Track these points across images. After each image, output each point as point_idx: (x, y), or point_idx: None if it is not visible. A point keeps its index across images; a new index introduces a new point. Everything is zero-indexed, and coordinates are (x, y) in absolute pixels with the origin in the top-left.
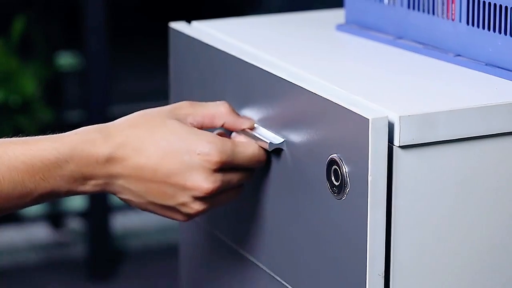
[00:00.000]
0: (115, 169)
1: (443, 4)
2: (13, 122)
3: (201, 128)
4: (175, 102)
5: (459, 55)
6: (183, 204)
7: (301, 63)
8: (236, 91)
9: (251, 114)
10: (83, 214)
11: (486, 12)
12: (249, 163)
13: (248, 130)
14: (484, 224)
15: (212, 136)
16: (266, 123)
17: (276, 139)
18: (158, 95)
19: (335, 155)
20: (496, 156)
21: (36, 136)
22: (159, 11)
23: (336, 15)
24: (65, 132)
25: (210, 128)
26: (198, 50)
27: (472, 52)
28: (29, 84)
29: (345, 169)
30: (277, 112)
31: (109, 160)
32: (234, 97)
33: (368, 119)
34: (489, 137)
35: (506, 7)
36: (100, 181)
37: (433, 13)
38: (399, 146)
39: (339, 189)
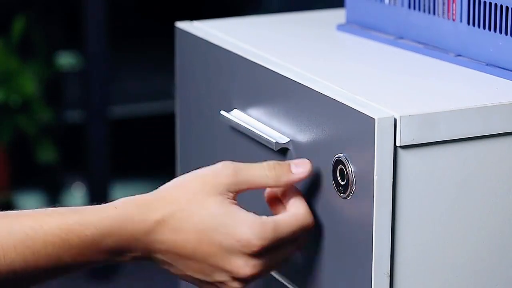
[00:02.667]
0: (153, 245)
1: (443, 4)
2: (13, 122)
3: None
4: (180, 101)
5: (459, 55)
6: (223, 283)
7: (301, 63)
8: (242, 91)
9: (257, 113)
10: None
11: (487, 12)
12: (295, 235)
13: (255, 130)
14: (485, 223)
15: (251, 219)
16: (272, 122)
17: (282, 138)
18: (158, 95)
19: (341, 154)
20: (496, 156)
21: (73, 208)
22: (159, 11)
23: (336, 15)
24: (66, 132)
25: None
26: (205, 50)
27: (473, 52)
28: (29, 84)
29: (351, 168)
30: (283, 111)
31: (147, 236)
32: (240, 96)
33: (374, 119)
34: (489, 137)
35: (507, 7)
36: (138, 254)
37: (434, 13)
38: (400, 146)
39: (345, 189)
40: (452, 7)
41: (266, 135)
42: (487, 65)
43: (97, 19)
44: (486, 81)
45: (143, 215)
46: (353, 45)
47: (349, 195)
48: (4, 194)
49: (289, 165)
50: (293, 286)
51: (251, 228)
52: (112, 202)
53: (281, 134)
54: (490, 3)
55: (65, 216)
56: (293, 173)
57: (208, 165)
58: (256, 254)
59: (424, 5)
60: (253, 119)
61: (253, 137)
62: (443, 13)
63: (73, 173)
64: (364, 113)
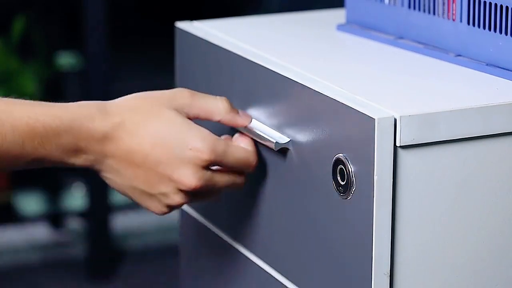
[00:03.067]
0: (108, 148)
1: (443, 4)
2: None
3: (197, 118)
4: None
5: (459, 55)
6: (165, 194)
7: (301, 63)
8: (242, 91)
9: (257, 113)
10: (83, 214)
11: (487, 12)
12: (238, 166)
13: (255, 130)
14: (485, 223)
15: (206, 133)
16: (272, 122)
17: (282, 138)
18: None
19: (341, 154)
20: (496, 156)
21: (42, 102)
22: (159, 11)
23: (336, 15)
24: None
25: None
26: (204, 50)
27: (473, 52)
28: (29, 84)
29: (351, 168)
30: (283, 111)
31: (104, 138)
32: (240, 96)
33: (374, 119)
34: (489, 137)
35: (507, 7)
36: (91, 157)
37: (434, 13)
38: (400, 146)
39: (345, 189)
40: (452, 7)
41: (266, 135)
42: (487, 65)
43: (97, 19)
44: (486, 81)
45: (103, 117)
46: (353, 45)
47: (349, 195)
48: (4, 194)
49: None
50: (293, 286)
51: (204, 140)
52: (77, 102)
53: (281, 134)
54: (490, 3)
55: (35, 107)
56: (239, 115)
57: None
58: (204, 167)
59: (424, 5)
60: (253, 119)
61: (253, 137)
62: (443, 13)
63: (73, 173)
64: (364, 113)
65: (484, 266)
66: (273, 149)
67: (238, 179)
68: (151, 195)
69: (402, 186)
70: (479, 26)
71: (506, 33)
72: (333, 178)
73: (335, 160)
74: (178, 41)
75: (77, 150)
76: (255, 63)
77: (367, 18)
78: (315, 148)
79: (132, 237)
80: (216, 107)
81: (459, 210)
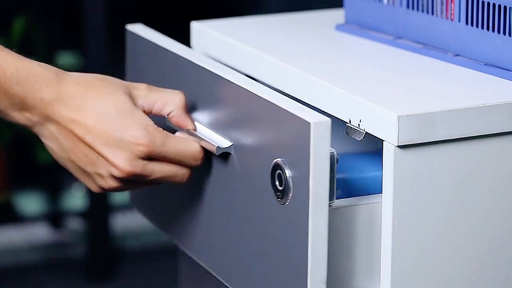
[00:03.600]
0: (53, 112)
1: (442, 4)
2: (13, 123)
3: (150, 112)
4: None
5: (458, 55)
6: (99, 175)
7: (300, 63)
8: (188, 94)
9: (202, 117)
10: (82, 214)
11: (485, 12)
12: (179, 158)
13: (196, 132)
14: (483, 223)
15: (149, 124)
16: (216, 126)
17: (225, 143)
18: None
19: (279, 159)
20: (495, 155)
21: (13, 52)
22: (159, 11)
23: (335, 15)
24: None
25: (159, 115)
26: (152, 52)
27: (471, 52)
28: None
29: (288, 173)
30: (226, 115)
31: (52, 102)
32: (187, 100)
33: (310, 123)
34: (488, 136)
35: (505, 7)
36: (34, 118)
37: (432, 13)
38: (398, 146)
39: (283, 194)
40: (451, 7)
41: (208, 139)
42: (485, 65)
43: (97, 19)
44: (484, 81)
45: (58, 83)
46: (352, 45)
47: (286, 200)
48: (4, 194)
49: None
50: None
51: (145, 130)
52: (42, 63)
53: (224, 139)
54: (488, 3)
55: (3, 51)
56: (189, 116)
57: None
58: (140, 156)
59: (423, 5)
60: (199, 124)
61: (196, 141)
62: (442, 13)
63: None
64: (300, 117)
65: (483, 266)
66: (215, 154)
67: (180, 171)
68: (87, 173)
69: (400, 186)
70: (477, 26)
71: (504, 33)
72: (271, 183)
73: (273, 165)
74: (129, 44)
75: (22, 107)
76: (199, 65)
77: (365, 18)
78: (255, 153)
79: (131, 237)
80: (172, 98)
81: (458, 210)
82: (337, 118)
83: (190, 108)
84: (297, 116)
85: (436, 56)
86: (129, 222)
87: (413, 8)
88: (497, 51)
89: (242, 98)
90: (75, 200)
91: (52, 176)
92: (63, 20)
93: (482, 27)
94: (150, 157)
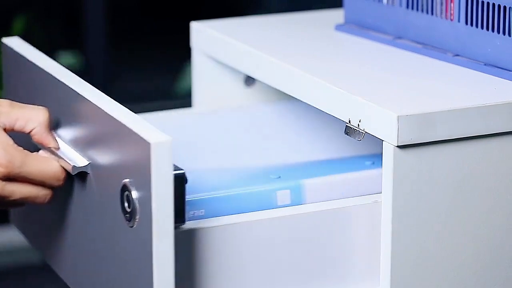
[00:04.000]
0: None
1: (442, 4)
2: None
3: (12, 130)
4: None
5: (457, 55)
6: None
7: (300, 63)
8: (53, 111)
9: (65, 134)
10: None
11: (484, 12)
12: (40, 178)
13: (55, 150)
14: (483, 223)
15: (8, 143)
16: (76, 144)
17: (82, 162)
18: (158, 95)
19: (127, 180)
20: (494, 155)
21: None
22: (159, 11)
23: (335, 15)
24: None
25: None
26: (24, 67)
27: (471, 52)
28: None
29: (135, 195)
30: (84, 133)
31: None
32: (52, 116)
33: (150, 143)
34: (487, 136)
35: (504, 7)
36: None
37: (432, 13)
38: (398, 146)
39: (131, 216)
40: (450, 7)
41: (66, 158)
42: (485, 64)
43: (97, 19)
44: (484, 81)
45: None
46: (352, 45)
47: (134, 223)
48: None
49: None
50: None
51: (4, 149)
52: None
53: (82, 157)
54: (488, 3)
55: None
56: (52, 135)
57: None
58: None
59: (422, 5)
60: (62, 142)
61: (57, 161)
62: (441, 13)
63: None
64: (141, 137)
65: (483, 266)
66: (71, 173)
67: (42, 192)
68: None
69: (400, 186)
70: (477, 26)
71: (504, 33)
72: (121, 205)
73: (122, 186)
74: (4, 57)
75: None
76: (60, 81)
77: (365, 18)
78: (108, 173)
79: None
80: (35, 115)
81: (458, 210)
82: (337, 118)
83: (55, 126)
84: (139, 136)
85: (435, 56)
86: None
87: (412, 8)
88: (497, 51)
89: (97, 116)
90: None
91: None
92: (63, 20)
93: (482, 27)
94: (9, 178)
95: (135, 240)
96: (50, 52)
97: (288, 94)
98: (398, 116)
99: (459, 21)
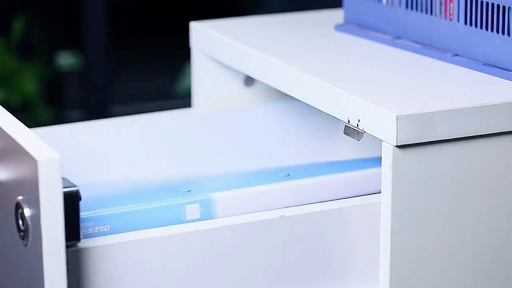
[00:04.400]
0: None
1: (441, 4)
2: None
3: None
4: None
5: (457, 55)
6: None
7: (300, 63)
8: None
9: None
10: None
11: (484, 12)
12: None
13: None
14: (482, 223)
15: None
16: None
17: None
18: (158, 95)
19: (20, 197)
20: (494, 155)
21: None
22: (159, 11)
23: (334, 15)
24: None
25: None
26: None
27: (470, 52)
28: (29, 84)
29: (28, 213)
30: None
31: None
32: None
33: (37, 160)
34: (487, 136)
35: (504, 7)
36: None
37: (431, 13)
38: (397, 146)
39: (25, 235)
40: (450, 7)
41: None
42: (484, 64)
43: (97, 19)
44: (483, 81)
45: None
46: (351, 45)
47: (27, 242)
48: None
49: None
50: None
51: None
52: None
53: None
54: (487, 3)
55: None
56: None
57: None
58: None
59: (422, 5)
60: None
61: None
62: (441, 13)
63: None
64: (30, 154)
65: (482, 266)
66: None
67: None
68: None
69: (399, 186)
70: (476, 26)
71: (503, 33)
72: (16, 223)
73: (16, 203)
74: None
75: None
76: None
77: (365, 18)
78: (2, 190)
79: None
80: None
81: (457, 209)
82: (337, 118)
83: None
84: (28, 153)
85: (435, 56)
86: None
87: (412, 8)
88: (496, 51)
89: None
90: None
91: None
92: (63, 20)
93: (481, 27)
94: None
95: (28, 259)
96: (50, 52)
97: (287, 94)
98: (397, 116)
99: (458, 21)
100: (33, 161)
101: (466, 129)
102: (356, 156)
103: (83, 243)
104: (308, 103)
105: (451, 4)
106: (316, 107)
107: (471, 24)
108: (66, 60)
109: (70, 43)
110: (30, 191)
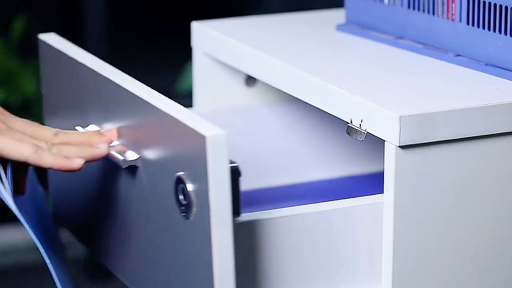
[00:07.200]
0: None
1: (443, 4)
2: None
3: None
4: (47, 116)
5: (459, 55)
6: None
7: (301, 63)
8: (97, 106)
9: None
10: None
11: (486, 12)
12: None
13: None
14: (485, 223)
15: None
16: (124, 139)
17: (132, 155)
18: None
19: (181, 173)
20: (496, 156)
21: None
22: (159, 11)
23: (336, 15)
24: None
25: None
26: (64, 64)
27: (472, 52)
28: (29, 84)
29: (191, 187)
30: (132, 128)
31: None
32: (95, 111)
33: (205, 136)
34: (489, 137)
35: (506, 7)
36: None
37: (433, 13)
38: (400, 146)
39: (187, 208)
40: (452, 7)
41: (115, 151)
42: (486, 65)
43: (97, 19)
44: (485, 81)
45: None
46: (353, 45)
47: (190, 215)
48: None
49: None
50: None
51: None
52: None
53: (131, 151)
54: (490, 3)
55: None
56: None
57: (74, 184)
58: None
59: (424, 5)
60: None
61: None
62: (443, 13)
63: None
64: (196, 131)
65: (485, 266)
66: (121, 167)
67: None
68: None
69: (402, 186)
70: (478, 26)
71: (505, 33)
72: (176, 197)
73: (176, 179)
74: (41, 54)
75: None
76: (106, 77)
77: (366, 18)
78: (160, 166)
79: None
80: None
81: (459, 210)
82: (339, 118)
83: (101, 121)
84: (194, 130)
85: (437, 56)
86: None
87: (414, 8)
88: (498, 51)
89: (145, 110)
90: None
91: None
92: (63, 20)
93: (483, 27)
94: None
95: (192, 232)
96: None
97: (289, 94)
98: (400, 116)
99: (460, 21)
100: (200, 138)
101: (468, 129)
102: (357, 156)
103: (243, 217)
104: (310, 103)
105: (453, 4)
106: (318, 107)
107: (473, 24)
108: None
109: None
110: (194, 167)
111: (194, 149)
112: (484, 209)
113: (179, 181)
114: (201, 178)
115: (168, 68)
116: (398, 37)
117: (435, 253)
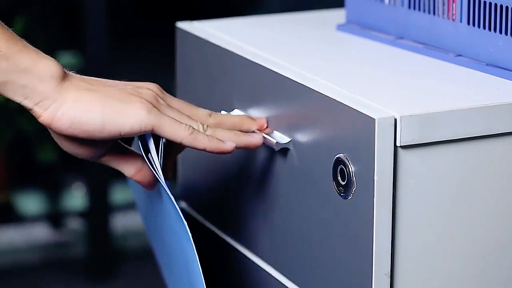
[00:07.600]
0: (64, 82)
1: (443, 4)
2: (13, 122)
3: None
4: None
5: (460, 55)
6: (138, 87)
7: (301, 63)
8: (242, 91)
9: (258, 113)
10: (83, 214)
11: (487, 12)
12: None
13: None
14: (485, 223)
15: None
16: (273, 122)
17: (283, 138)
18: None
19: (341, 154)
20: (497, 156)
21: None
22: (159, 11)
23: (336, 15)
24: None
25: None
26: (205, 50)
27: (473, 52)
28: None
29: (352, 168)
30: (284, 111)
31: (52, 78)
32: (240, 96)
33: (375, 119)
34: (490, 137)
35: (507, 7)
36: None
37: (434, 13)
38: (400, 146)
39: (346, 189)
40: (452, 7)
41: (266, 135)
42: (487, 65)
43: (97, 19)
44: (486, 81)
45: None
46: (353, 45)
47: (349, 195)
48: (4, 194)
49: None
50: (294, 286)
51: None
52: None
53: (282, 134)
54: (490, 3)
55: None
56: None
57: (209, 168)
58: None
59: (424, 5)
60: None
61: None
62: (443, 13)
63: (73, 173)
64: (364, 113)
65: (485, 266)
66: (274, 149)
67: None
68: (127, 92)
69: (402, 186)
70: (479, 26)
71: (506, 33)
72: (333, 178)
73: (335, 160)
74: (179, 42)
75: (6, 82)
76: (255, 63)
77: (367, 18)
78: (316, 148)
79: (132, 237)
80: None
81: (460, 210)
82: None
83: (247, 106)
84: (362, 113)
85: (437, 56)
86: (129, 222)
87: (414, 8)
88: (499, 52)
89: (301, 95)
90: (75, 200)
91: (52, 176)
92: (63, 20)
93: (484, 27)
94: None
95: (350, 211)
96: (50, 52)
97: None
98: (400, 116)
99: (461, 21)
100: (367, 120)
101: (469, 129)
102: None
103: None
104: None
105: (454, 4)
106: None
107: (474, 25)
108: (66, 60)
109: (70, 43)
110: (357, 148)
111: (359, 131)
112: (484, 209)
113: (339, 162)
114: (366, 159)
115: (168, 68)
116: (399, 37)
117: (435, 253)
